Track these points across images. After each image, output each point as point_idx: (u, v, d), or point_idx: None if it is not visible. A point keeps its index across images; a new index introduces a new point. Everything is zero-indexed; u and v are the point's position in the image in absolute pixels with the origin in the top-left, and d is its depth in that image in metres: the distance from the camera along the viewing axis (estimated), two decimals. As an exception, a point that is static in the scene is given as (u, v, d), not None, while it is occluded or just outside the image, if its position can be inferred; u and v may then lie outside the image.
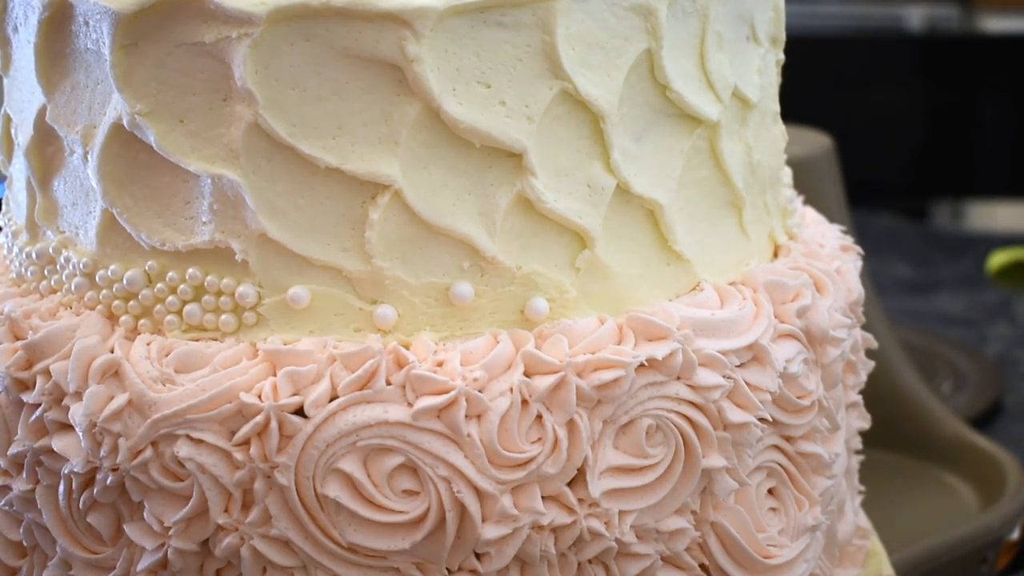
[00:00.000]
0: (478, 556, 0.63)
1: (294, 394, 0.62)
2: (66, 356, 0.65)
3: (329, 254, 0.64)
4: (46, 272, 0.70)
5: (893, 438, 1.10)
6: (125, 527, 0.65)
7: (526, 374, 0.63)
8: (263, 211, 0.63)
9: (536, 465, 0.62)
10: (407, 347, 0.63)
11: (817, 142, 1.20)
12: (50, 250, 0.70)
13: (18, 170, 0.72)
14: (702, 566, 0.68)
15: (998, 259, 1.74)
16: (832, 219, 0.85)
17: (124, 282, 0.66)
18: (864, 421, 0.80)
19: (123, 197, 0.66)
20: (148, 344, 0.65)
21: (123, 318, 0.67)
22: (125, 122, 0.64)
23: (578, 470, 0.63)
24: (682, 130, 0.68)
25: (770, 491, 0.70)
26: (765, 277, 0.71)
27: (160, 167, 0.65)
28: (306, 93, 0.62)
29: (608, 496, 0.64)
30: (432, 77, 0.62)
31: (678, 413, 0.65)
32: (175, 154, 0.64)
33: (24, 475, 0.67)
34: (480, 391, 0.62)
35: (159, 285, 0.66)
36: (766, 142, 0.74)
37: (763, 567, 0.68)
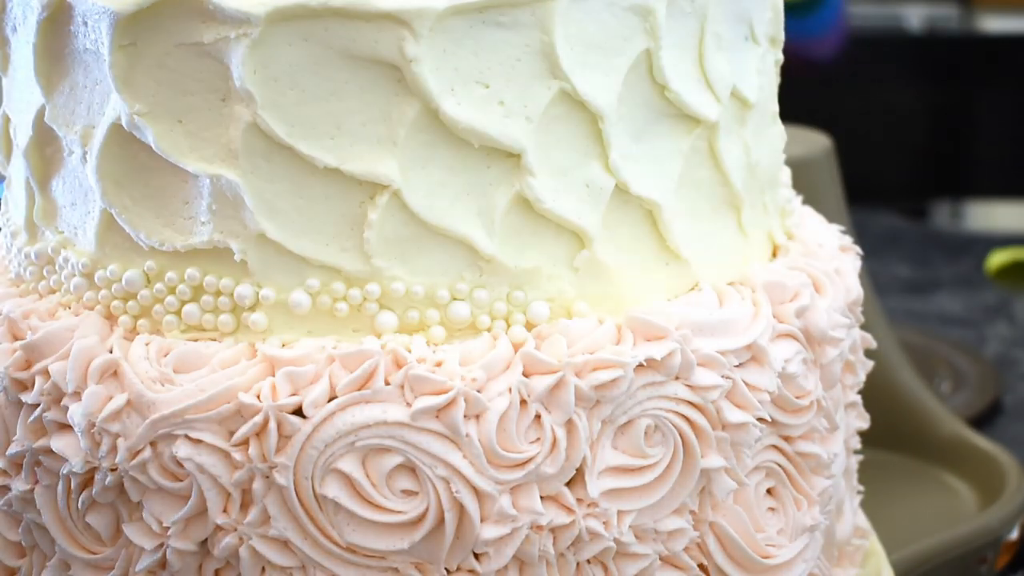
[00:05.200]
0: (477, 556, 0.63)
1: (293, 394, 0.62)
2: (65, 356, 0.65)
3: (328, 254, 0.64)
4: (45, 272, 0.70)
5: (892, 438, 1.10)
6: (124, 527, 0.65)
7: (525, 374, 0.63)
8: (262, 211, 0.63)
9: (535, 465, 0.62)
10: (406, 347, 0.63)
11: (816, 142, 1.20)
12: (49, 250, 0.70)
13: (17, 170, 0.72)
14: (700, 566, 0.68)
15: (997, 259, 1.74)
16: (831, 219, 0.85)
17: (123, 282, 0.66)
18: (863, 421, 0.80)
19: (122, 197, 0.66)
20: (147, 344, 0.65)
21: (122, 318, 0.67)
22: (124, 122, 0.64)
23: (576, 470, 0.64)
24: (681, 130, 0.68)
25: (769, 491, 0.70)
26: (764, 277, 0.71)
27: (159, 167, 0.65)
28: (305, 93, 0.62)
29: (607, 496, 0.64)
30: (431, 77, 0.62)
31: (677, 413, 0.65)
32: (173, 154, 0.64)
33: (23, 475, 0.67)
34: (479, 391, 0.62)
35: (158, 285, 0.66)
36: (765, 142, 0.74)
37: (762, 567, 0.68)
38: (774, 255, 0.76)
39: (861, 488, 0.83)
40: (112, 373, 0.64)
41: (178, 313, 0.66)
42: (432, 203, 0.64)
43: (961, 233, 2.31)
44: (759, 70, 0.72)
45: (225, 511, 0.63)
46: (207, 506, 0.63)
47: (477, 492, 0.62)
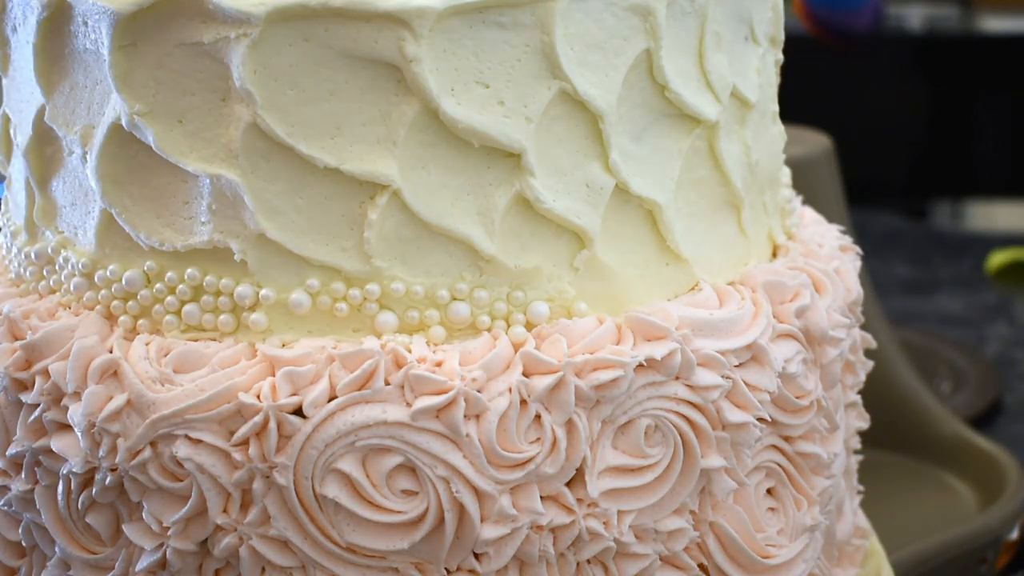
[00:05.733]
0: (477, 556, 0.63)
1: (293, 394, 0.62)
2: (65, 356, 0.65)
3: (328, 254, 0.64)
4: (45, 272, 0.70)
5: (892, 438, 1.10)
6: (124, 527, 0.65)
7: (525, 374, 0.63)
8: (261, 211, 0.63)
9: (535, 465, 0.62)
10: (406, 347, 0.63)
11: (817, 142, 1.20)
12: (49, 250, 0.70)
13: (17, 170, 0.72)
14: (701, 566, 0.68)
15: (997, 259, 1.74)
16: (831, 219, 0.85)
17: (123, 282, 0.66)
18: (863, 421, 0.80)
19: (122, 197, 0.66)
20: (147, 344, 0.65)
21: (122, 318, 0.67)
22: (124, 122, 0.64)
23: (577, 470, 0.63)
24: (681, 130, 0.68)
25: (769, 491, 0.70)
26: (764, 277, 0.71)
27: (159, 167, 0.65)
28: (304, 93, 0.62)
29: (607, 496, 0.64)
30: (431, 77, 0.62)
31: (677, 413, 0.65)
32: (174, 154, 0.64)
33: (23, 475, 0.67)
34: (479, 391, 0.62)
35: (158, 285, 0.66)
36: (765, 142, 0.74)
37: (762, 567, 0.68)
38: (774, 255, 0.76)
39: (861, 488, 0.83)
40: (112, 373, 0.64)
41: (178, 313, 0.66)
42: (432, 203, 0.64)
43: (961, 233, 2.31)
44: (759, 70, 0.72)
45: (225, 511, 0.63)
46: (207, 506, 0.63)
47: (477, 492, 0.62)
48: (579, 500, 0.64)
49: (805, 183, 0.90)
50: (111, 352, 0.65)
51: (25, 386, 0.66)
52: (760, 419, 0.67)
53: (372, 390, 0.62)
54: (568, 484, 0.64)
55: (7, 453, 0.67)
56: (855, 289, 0.76)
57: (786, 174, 0.80)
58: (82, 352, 0.65)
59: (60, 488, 0.66)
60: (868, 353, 0.79)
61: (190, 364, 0.64)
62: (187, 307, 0.65)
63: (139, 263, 0.66)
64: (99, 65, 0.65)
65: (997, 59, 2.42)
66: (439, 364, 0.62)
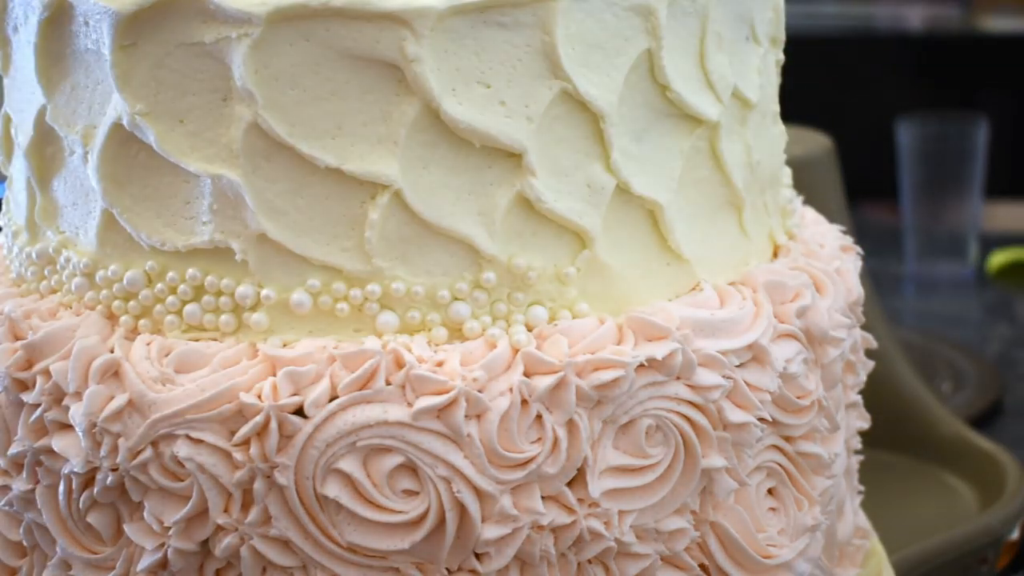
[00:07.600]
0: (478, 556, 0.63)
1: (294, 394, 0.62)
2: (66, 356, 0.65)
3: (329, 254, 0.64)
4: (46, 272, 0.70)
5: (893, 438, 1.10)
6: (125, 527, 0.65)
7: (526, 374, 0.63)
8: (263, 211, 0.63)
9: (536, 465, 0.62)
10: (407, 347, 0.63)
11: (817, 142, 1.20)
12: (50, 250, 0.70)
13: (18, 170, 0.72)
14: (702, 566, 0.68)
15: (998, 259, 1.74)
16: (832, 219, 0.85)
17: (124, 282, 0.66)
18: (864, 421, 0.80)
19: (123, 197, 0.66)
20: (148, 344, 0.65)
21: (123, 318, 0.67)
22: (125, 122, 0.64)
23: (578, 470, 0.63)
24: (682, 130, 0.68)
25: (770, 491, 0.70)
26: (765, 277, 0.71)
27: (160, 167, 0.65)
28: (305, 93, 0.62)
29: (608, 496, 0.64)
30: (432, 77, 0.62)
31: (678, 413, 0.65)
32: (175, 154, 0.64)
33: (24, 475, 0.67)
34: (480, 391, 0.62)
35: (159, 285, 0.66)
36: (766, 142, 0.74)
37: (763, 567, 0.68)
38: (775, 255, 0.76)
39: (861, 488, 0.83)
40: (113, 373, 0.64)
41: (179, 313, 0.66)
42: (433, 203, 0.63)
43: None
44: (760, 70, 0.72)
45: (226, 511, 0.63)
46: (208, 506, 0.63)
47: (478, 492, 0.62)
48: (580, 500, 0.64)
49: (805, 183, 0.90)
50: (112, 352, 0.65)
51: (26, 386, 0.66)
52: (761, 419, 0.67)
53: (373, 390, 0.62)
54: (569, 484, 0.64)
55: (8, 453, 0.67)
56: (856, 289, 0.76)
57: (787, 174, 0.80)
58: (83, 352, 0.65)
59: (61, 488, 0.66)
60: (868, 353, 0.79)
61: (191, 364, 0.64)
62: (188, 307, 0.65)
63: (140, 263, 0.66)
64: (100, 65, 0.65)
65: (997, 59, 2.43)
66: (440, 364, 0.62)
